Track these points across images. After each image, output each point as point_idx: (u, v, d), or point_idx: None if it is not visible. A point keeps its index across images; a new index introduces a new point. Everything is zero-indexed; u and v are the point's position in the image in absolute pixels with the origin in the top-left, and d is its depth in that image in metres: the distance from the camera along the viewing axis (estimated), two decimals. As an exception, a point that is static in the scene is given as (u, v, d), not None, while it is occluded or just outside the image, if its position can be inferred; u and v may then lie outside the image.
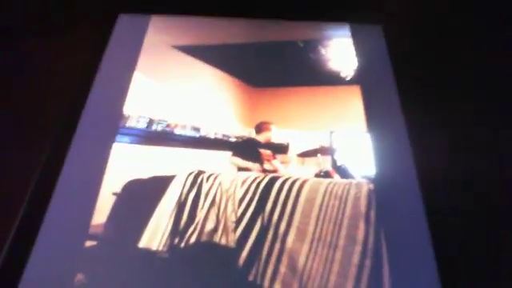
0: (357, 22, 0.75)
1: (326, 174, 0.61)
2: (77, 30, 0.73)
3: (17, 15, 0.78)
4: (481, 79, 0.69)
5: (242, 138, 0.64)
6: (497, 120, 0.64)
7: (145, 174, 0.58)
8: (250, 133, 0.64)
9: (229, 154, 0.63)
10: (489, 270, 0.51)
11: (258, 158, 0.63)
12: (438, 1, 0.81)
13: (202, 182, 0.57)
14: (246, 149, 0.63)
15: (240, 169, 0.61)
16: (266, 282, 0.48)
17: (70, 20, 0.76)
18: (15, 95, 0.65)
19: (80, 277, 0.47)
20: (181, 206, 0.55)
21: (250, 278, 0.49)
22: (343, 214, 0.54)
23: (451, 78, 0.69)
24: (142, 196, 0.55)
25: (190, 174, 0.58)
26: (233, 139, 0.64)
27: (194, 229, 0.53)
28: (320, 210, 0.54)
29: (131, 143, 0.60)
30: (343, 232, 0.52)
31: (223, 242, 0.52)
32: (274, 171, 0.61)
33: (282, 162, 0.63)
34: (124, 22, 0.73)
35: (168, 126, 0.64)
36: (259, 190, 0.56)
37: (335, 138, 0.64)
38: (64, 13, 0.78)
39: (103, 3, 0.77)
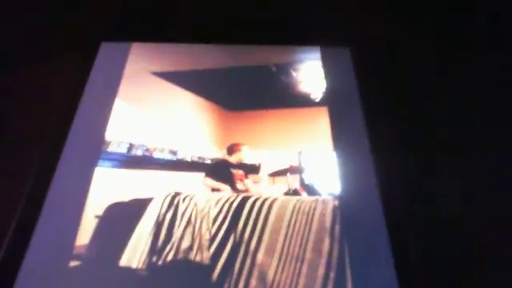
0: (325, 45, 0.79)
1: (295, 192, 0.65)
2: (61, 58, 0.76)
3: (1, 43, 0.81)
4: (443, 103, 0.73)
5: (215, 159, 0.68)
6: (458, 139, 0.68)
7: (125, 197, 0.61)
8: (223, 154, 0.68)
9: (202, 175, 0.67)
10: (449, 282, 0.54)
11: (230, 179, 0.66)
12: (404, 24, 0.85)
13: (178, 203, 0.61)
14: (219, 170, 0.67)
15: (213, 189, 0.65)
16: (238, 295, 0.52)
17: (54, 49, 0.79)
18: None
19: (65, 295, 0.51)
20: (158, 226, 0.58)
21: (223, 291, 0.53)
22: (310, 230, 0.57)
23: (414, 99, 0.73)
24: (122, 218, 0.59)
25: (167, 195, 0.62)
26: (208, 161, 0.68)
27: (171, 247, 0.56)
28: (288, 226, 0.58)
29: (113, 167, 0.64)
30: (310, 246, 0.56)
31: (198, 259, 0.55)
32: (246, 191, 0.65)
33: (254, 182, 0.67)
34: (106, 50, 0.76)
35: (147, 150, 0.67)
36: (232, 209, 0.60)
37: (303, 158, 0.68)
38: (48, 41, 0.81)
39: (87, 32, 0.80)
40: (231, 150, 0.68)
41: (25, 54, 0.79)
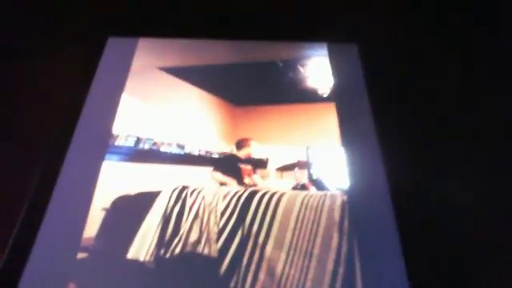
0: (333, 41, 0.79)
1: (303, 187, 0.64)
2: (68, 53, 0.76)
3: (7, 37, 0.81)
4: (452, 99, 0.72)
5: (223, 154, 0.68)
6: (469, 134, 0.68)
7: (133, 191, 0.61)
8: (232, 149, 0.68)
9: (210, 169, 0.66)
10: (459, 277, 0.54)
11: (238, 173, 0.66)
12: (412, 21, 0.85)
13: (186, 196, 0.61)
14: (227, 164, 0.67)
15: (221, 183, 0.64)
16: (246, 289, 0.52)
17: (62, 43, 0.79)
18: (6, 118, 0.68)
19: (72, 286, 0.50)
20: (166, 219, 0.58)
21: (232, 285, 0.52)
22: (318, 225, 0.57)
23: (422, 94, 0.73)
24: (129, 211, 0.58)
25: (175, 189, 0.62)
26: (215, 156, 0.67)
27: (179, 240, 0.56)
28: (297, 220, 0.58)
29: (120, 161, 0.63)
30: (318, 241, 0.55)
31: (206, 252, 0.55)
32: (254, 185, 0.64)
33: (262, 177, 0.67)
34: (113, 45, 0.77)
35: (155, 144, 0.67)
36: (240, 203, 0.59)
37: (311, 153, 0.67)
38: (55, 36, 0.81)
39: (94, 27, 0.80)
40: (240, 144, 0.67)
41: (31, 49, 0.79)
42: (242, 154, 0.68)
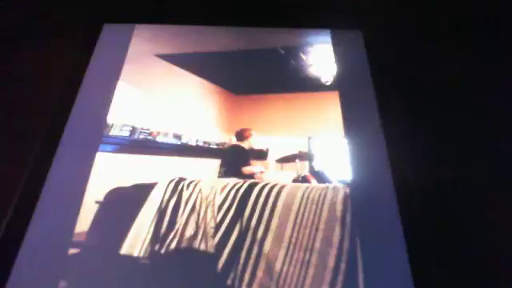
0: (337, 28, 0.76)
1: (304, 179, 0.63)
2: (63, 40, 0.75)
3: (2, 25, 0.79)
4: (457, 87, 0.70)
5: (222, 144, 0.66)
6: (473, 125, 0.66)
7: (127, 182, 0.59)
8: (230, 139, 0.66)
9: (208, 160, 0.65)
10: (462, 272, 0.52)
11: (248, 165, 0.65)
12: (418, 8, 0.82)
13: (182, 188, 0.59)
14: (238, 156, 0.65)
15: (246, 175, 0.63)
16: (244, 286, 0.50)
17: (57, 30, 0.77)
18: None
19: (63, 284, 0.48)
20: (161, 212, 0.56)
21: (229, 282, 0.50)
22: (319, 219, 0.55)
23: (428, 84, 0.70)
24: (123, 204, 0.57)
25: (171, 181, 0.60)
26: (213, 146, 0.65)
27: (174, 235, 0.54)
28: (297, 214, 0.56)
29: (114, 152, 0.62)
30: (319, 236, 0.54)
31: (202, 247, 0.53)
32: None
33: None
34: (109, 32, 0.74)
35: (151, 134, 0.65)
36: (238, 196, 0.58)
37: (313, 144, 0.65)
38: (50, 23, 0.79)
39: (89, 13, 0.78)
40: (242, 135, 0.65)
41: (25, 36, 0.77)
42: (245, 144, 0.66)
